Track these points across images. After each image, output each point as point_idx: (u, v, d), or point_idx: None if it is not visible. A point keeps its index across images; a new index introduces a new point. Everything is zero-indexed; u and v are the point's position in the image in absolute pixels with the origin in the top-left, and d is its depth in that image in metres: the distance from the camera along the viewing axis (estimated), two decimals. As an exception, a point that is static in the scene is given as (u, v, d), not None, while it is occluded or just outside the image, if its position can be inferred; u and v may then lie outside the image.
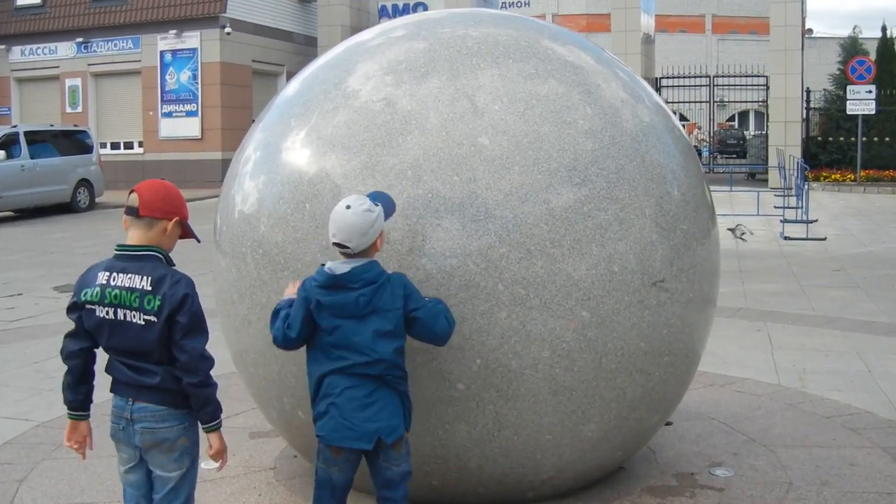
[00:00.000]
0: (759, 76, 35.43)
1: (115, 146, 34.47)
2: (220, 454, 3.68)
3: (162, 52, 33.27)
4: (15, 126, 25.83)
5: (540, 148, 4.19)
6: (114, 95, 34.66)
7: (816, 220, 19.06)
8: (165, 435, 3.63)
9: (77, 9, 34.71)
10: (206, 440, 3.68)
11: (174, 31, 32.74)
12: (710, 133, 40.04)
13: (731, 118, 53.60)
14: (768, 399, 6.76)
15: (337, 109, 4.46)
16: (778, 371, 7.70)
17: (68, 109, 34.81)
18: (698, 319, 4.70)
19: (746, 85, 37.20)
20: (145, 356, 3.60)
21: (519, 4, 57.96)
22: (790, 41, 29.76)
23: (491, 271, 4.04)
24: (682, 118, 49.88)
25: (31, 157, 24.20)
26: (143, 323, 3.55)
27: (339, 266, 3.79)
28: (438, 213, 4.07)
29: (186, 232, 3.76)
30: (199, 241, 3.92)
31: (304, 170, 4.40)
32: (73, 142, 26.18)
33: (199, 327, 3.57)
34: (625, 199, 4.26)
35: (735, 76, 36.64)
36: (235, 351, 4.93)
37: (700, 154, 39.22)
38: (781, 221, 18.31)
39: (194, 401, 3.61)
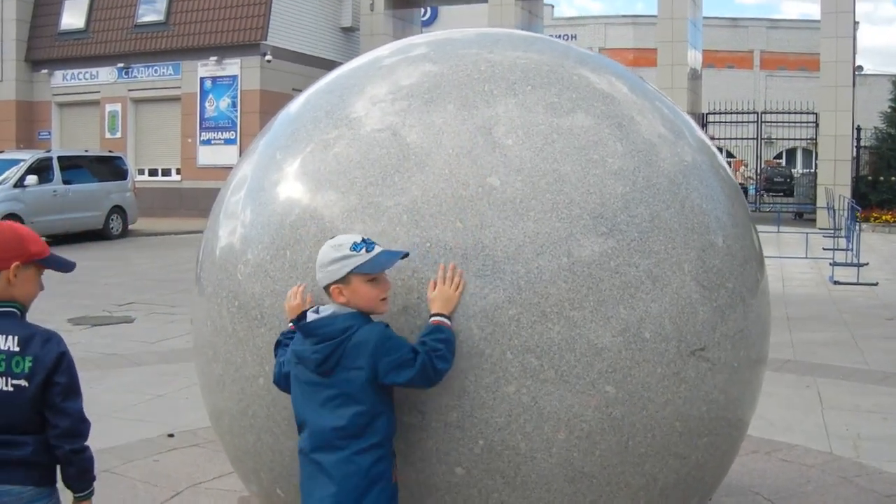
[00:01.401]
0: (808, 113, 34.56)
1: (152, 173, 34.33)
2: None
3: (202, 79, 33.14)
4: (49, 151, 25.65)
5: (560, 190, 3.56)
6: (153, 121, 34.54)
7: (867, 264, 18.19)
8: None
9: (119, 34, 34.69)
10: None
11: (214, 58, 32.59)
12: (756, 171, 39.12)
13: (779, 155, 52.58)
14: (819, 471, 6.03)
15: (326, 142, 3.86)
16: (829, 436, 6.97)
17: (107, 135, 34.74)
18: (745, 390, 4.03)
19: (795, 122, 36.35)
20: (11, 427, 3.12)
21: (567, 38, 57.60)
22: (841, 77, 28.93)
23: (498, 337, 3.40)
24: (729, 155, 49.13)
25: (65, 183, 23.98)
26: (11, 389, 3.11)
27: (312, 314, 3.37)
28: (437, 266, 3.44)
29: (52, 266, 3.37)
30: (68, 271, 3.55)
31: (287, 211, 3.80)
32: (108, 168, 25.98)
33: (77, 387, 3.25)
34: (660, 253, 3.61)
35: (783, 112, 35.78)
36: (211, 411, 4.34)
37: (746, 192, 38.38)
38: (831, 264, 17.48)
39: (73, 470, 3.26)
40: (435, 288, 3.39)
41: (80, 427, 3.23)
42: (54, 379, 3.16)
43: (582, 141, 3.71)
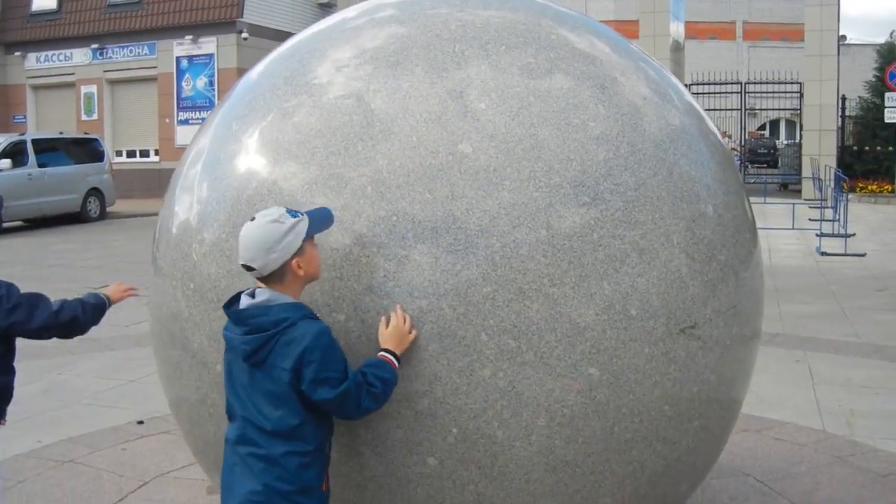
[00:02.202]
0: (792, 83, 34.29)
1: (130, 154, 33.84)
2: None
3: (178, 58, 32.61)
4: (22, 134, 25.16)
5: (538, 157, 3.28)
6: (129, 102, 34.00)
7: (854, 235, 18.00)
8: None
9: (92, 14, 34.09)
10: None
11: (190, 37, 32.05)
12: (740, 142, 38.88)
13: (762, 127, 52.38)
14: (812, 450, 5.80)
15: (285, 110, 3.57)
16: (822, 413, 6.75)
17: (84, 117, 34.20)
18: (739, 369, 3.77)
19: (778, 92, 36.09)
20: None
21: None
22: (826, 46, 28.66)
23: (471, 317, 3.13)
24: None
25: (40, 166, 23.54)
26: None
27: (246, 299, 3.09)
28: (405, 241, 3.17)
29: None
30: None
31: (243, 186, 3.52)
32: (85, 150, 25.54)
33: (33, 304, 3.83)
34: (646, 223, 3.34)
35: (767, 83, 35.52)
36: (170, 400, 4.06)
37: (730, 164, 38.09)
38: (817, 235, 17.29)
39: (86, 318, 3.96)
40: (388, 325, 3.11)
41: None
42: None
43: (561, 104, 3.42)
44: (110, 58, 34.02)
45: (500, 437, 3.20)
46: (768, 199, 23.99)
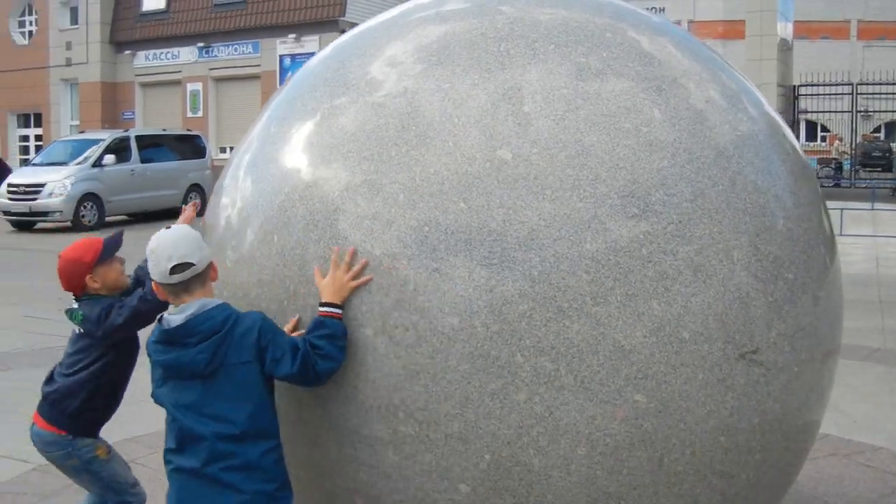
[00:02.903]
0: (907, 84, 32.96)
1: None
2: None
3: (281, 57, 33.01)
4: (127, 131, 25.74)
5: (583, 165, 3.04)
6: (233, 100, 34.55)
7: (970, 243, 17.11)
8: None
9: (199, 14, 34.77)
10: None
11: (293, 36, 32.41)
12: (852, 145, 37.53)
13: (877, 129, 50.55)
14: (906, 480, 5.40)
15: (322, 112, 3.41)
16: (919, 437, 6.30)
17: (189, 114, 34.90)
18: (809, 396, 3.46)
19: (893, 94, 34.71)
20: None
21: (655, 10, 56.14)
22: (943, 46, 27.44)
23: (506, 336, 2.91)
24: (823, 129, 47.40)
25: (143, 162, 24.02)
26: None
27: (176, 317, 3.03)
28: (437, 253, 2.97)
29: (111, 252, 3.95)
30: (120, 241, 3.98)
31: (276, 191, 3.37)
32: (187, 146, 25.98)
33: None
34: (703, 238, 3.07)
35: (880, 84, 34.18)
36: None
37: (840, 168, 36.88)
38: (930, 244, 16.47)
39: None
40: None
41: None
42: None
43: (612, 107, 3.17)
44: (215, 56, 34.65)
45: (537, 466, 2.97)
46: (879, 205, 23.00)
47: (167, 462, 3.11)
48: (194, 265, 3.01)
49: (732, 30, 47.05)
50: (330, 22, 31.81)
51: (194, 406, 3.00)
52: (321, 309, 3.00)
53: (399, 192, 3.06)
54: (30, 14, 38.93)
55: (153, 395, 3.16)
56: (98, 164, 22.84)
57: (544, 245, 2.93)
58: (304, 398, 3.19)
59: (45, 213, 22.15)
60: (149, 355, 3.13)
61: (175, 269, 3.00)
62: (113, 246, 3.94)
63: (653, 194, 3.05)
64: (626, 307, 2.94)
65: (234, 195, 3.61)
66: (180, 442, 3.05)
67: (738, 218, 3.18)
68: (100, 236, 4.09)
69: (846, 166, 37.05)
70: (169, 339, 3.02)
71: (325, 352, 2.95)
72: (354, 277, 3.00)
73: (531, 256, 2.93)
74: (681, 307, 3.00)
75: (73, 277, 3.90)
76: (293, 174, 3.34)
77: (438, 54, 3.34)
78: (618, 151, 3.08)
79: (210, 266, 3.09)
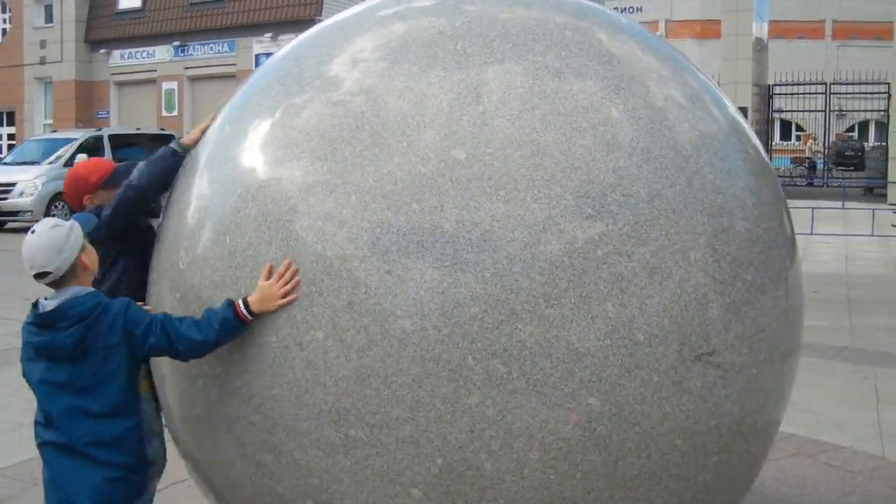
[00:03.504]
0: (879, 83, 33.14)
1: (208, 150, 34.24)
2: None
3: (257, 56, 32.87)
4: (99, 130, 25.55)
5: (538, 165, 3.00)
6: (209, 98, 34.35)
7: (940, 242, 17.22)
8: None
9: (175, 12, 34.64)
10: None
11: (269, 35, 32.33)
12: (825, 144, 37.75)
13: (851, 129, 50.88)
14: (867, 479, 5.39)
15: (275, 113, 3.36)
16: (883, 437, 6.30)
17: (164, 112, 34.77)
18: (768, 397, 3.44)
19: (866, 94, 34.94)
20: None
21: (631, 10, 56.20)
22: (915, 45, 27.64)
23: (457, 339, 2.87)
24: (798, 128, 47.62)
25: (118, 161, 23.75)
26: None
27: (49, 302, 3.22)
28: (389, 255, 2.92)
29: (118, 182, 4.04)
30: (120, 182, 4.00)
31: (229, 192, 3.31)
32: (162, 146, 25.58)
33: None
34: (660, 239, 3.04)
35: (853, 83, 34.40)
36: (165, 411, 3.88)
37: (814, 167, 37.10)
38: (900, 243, 16.58)
39: None
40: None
41: None
42: None
43: (568, 106, 3.14)
44: (191, 55, 34.55)
45: (489, 470, 2.93)
46: (850, 204, 23.15)
47: (37, 435, 3.32)
48: (51, 273, 3.16)
49: (709, 29, 47.20)
50: (306, 21, 31.62)
51: (63, 385, 3.18)
52: (238, 301, 3.08)
53: (352, 193, 3.01)
54: (3, 12, 38.69)
55: (23, 373, 3.32)
56: (70, 163, 22.59)
57: (497, 247, 2.89)
58: (255, 401, 3.14)
59: (15, 213, 21.97)
60: (22, 336, 3.29)
61: (37, 277, 3.20)
62: (121, 174, 4.10)
63: (609, 195, 3.02)
64: (579, 309, 2.90)
65: (188, 195, 3.56)
66: (48, 417, 3.25)
67: (696, 218, 3.15)
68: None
69: (819, 165, 37.28)
70: (42, 322, 3.19)
71: (200, 323, 3.12)
72: (284, 296, 3.02)
73: (484, 258, 2.89)
74: (636, 309, 2.96)
75: (75, 192, 4.17)
76: (246, 174, 3.29)
77: (395, 53, 3.30)
78: (574, 151, 3.05)
79: (77, 261, 3.20)
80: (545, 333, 2.88)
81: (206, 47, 34.12)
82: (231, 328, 3.09)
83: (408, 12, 3.54)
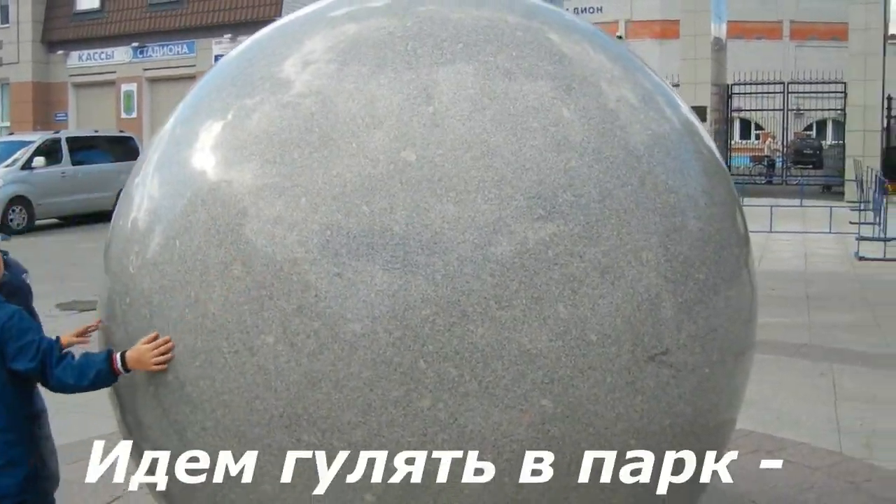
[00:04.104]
0: (836, 83, 33.50)
1: (168, 152, 33.97)
2: None
3: (217, 57, 32.55)
4: (57, 132, 25.26)
5: (488, 166, 2.99)
6: (168, 100, 33.93)
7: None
8: None
9: (133, 13, 34.33)
10: None
11: (229, 36, 32.04)
12: (783, 142, 38.12)
13: (809, 127, 51.42)
14: (825, 475, 5.44)
15: (226, 115, 3.32)
16: (840, 432, 6.37)
17: (123, 115, 34.43)
18: (721, 396, 3.45)
19: (823, 93, 35.32)
20: None
21: (591, 10, 56.42)
22: (870, 45, 27.90)
23: (409, 342, 2.85)
24: (758, 127, 48.08)
25: (75, 164, 23.57)
26: None
27: None
28: (339, 258, 2.89)
29: None
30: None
31: (178, 195, 3.27)
32: (121, 148, 25.49)
33: None
34: (612, 239, 3.04)
35: (810, 83, 34.77)
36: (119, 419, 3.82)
37: (773, 165, 37.45)
38: (857, 239, 16.72)
39: None
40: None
41: None
42: None
43: (519, 107, 3.12)
44: (150, 56, 34.25)
45: (443, 474, 2.91)
46: (808, 202, 23.38)
47: None
48: None
49: (669, 29, 47.48)
50: (266, 22, 30.75)
51: None
52: (116, 354, 3.20)
53: (301, 196, 2.98)
54: (-42, 13, 38.17)
55: None
56: (28, 166, 22.34)
57: (448, 248, 2.88)
58: (205, 407, 3.10)
59: (-29, 217, 21.65)
60: None
61: None
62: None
63: (560, 195, 3.01)
64: (531, 310, 2.89)
65: (138, 199, 3.51)
66: None
67: (648, 218, 3.15)
68: None
69: (778, 163, 37.64)
70: None
71: (73, 362, 3.20)
72: (156, 364, 3.14)
73: (434, 260, 2.87)
74: (588, 310, 2.96)
75: None
76: (196, 177, 3.25)
77: (345, 54, 3.27)
78: (524, 152, 3.04)
79: None
80: (497, 335, 2.86)
81: (165, 48, 33.83)
82: (104, 379, 3.24)
83: (359, 13, 3.52)
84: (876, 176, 20.52)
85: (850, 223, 19.09)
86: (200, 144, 3.33)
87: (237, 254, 3.03)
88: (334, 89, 3.16)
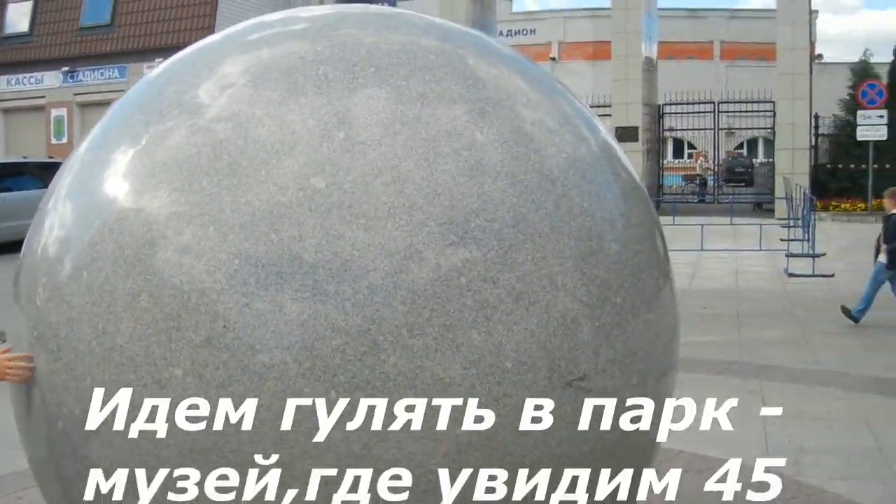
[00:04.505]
0: (765, 101, 34.17)
1: (100, 178, 33.50)
2: None
3: (149, 81, 32.32)
4: (-17, 159, 24.81)
5: (400, 191, 2.95)
6: (100, 125, 33.71)
7: (824, 254, 17.70)
8: None
9: (63, 37, 33.86)
10: None
11: (160, 59, 31.37)
12: (715, 161, 38.73)
13: (740, 146, 52.36)
14: (755, 493, 5.45)
15: (135, 142, 3.23)
16: (769, 450, 6.41)
17: (53, 140, 33.88)
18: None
19: (753, 111, 36.00)
20: None
21: (525, 32, 56.99)
22: (798, 65, 28.54)
23: (319, 372, 2.79)
24: (691, 146, 48.81)
25: (2, 191, 23.11)
26: None
27: None
28: (247, 288, 2.83)
29: None
30: None
31: (86, 225, 3.19)
32: (51, 174, 24.63)
33: None
34: (527, 264, 3.01)
35: (740, 101, 35.43)
36: (29, 457, 3.71)
37: (705, 184, 38.01)
38: (787, 255, 17.00)
39: None
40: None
41: None
42: None
43: (431, 131, 3.09)
44: (81, 80, 33.78)
45: (359, 506, 2.85)
46: (739, 220, 23.75)
47: None
48: None
49: (601, 50, 48.13)
50: None
51: None
52: None
53: (209, 224, 2.92)
54: None
55: None
56: (-45, 194, 21.89)
57: (358, 276, 2.83)
58: (116, 442, 3.00)
59: None
60: None
61: None
62: None
63: (472, 220, 2.98)
64: (443, 338, 2.85)
65: (46, 229, 3.41)
66: None
67: (563, 242, 3.13)
68: None
69: (710, 182, 38.20)
70: None
71: None
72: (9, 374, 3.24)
73: (345, 288, 2.82)
74: (502, 336, 2.93)
75: None
76: (104, 206, 3.16)
77: (256, 80, 3.21)
78: (436, 177, 3.00)
79: None
80: (409, 364, 2.82)
81: (96, 73, 33.41)
82: None
83: (271, 38, 3.47)
84: (804, 193, 20.91)
85: (781, 240, 19.40)
86: (109, 172, 3.25)
87: (144, 284, 2.95)
88: (244, 115, 3.10)
